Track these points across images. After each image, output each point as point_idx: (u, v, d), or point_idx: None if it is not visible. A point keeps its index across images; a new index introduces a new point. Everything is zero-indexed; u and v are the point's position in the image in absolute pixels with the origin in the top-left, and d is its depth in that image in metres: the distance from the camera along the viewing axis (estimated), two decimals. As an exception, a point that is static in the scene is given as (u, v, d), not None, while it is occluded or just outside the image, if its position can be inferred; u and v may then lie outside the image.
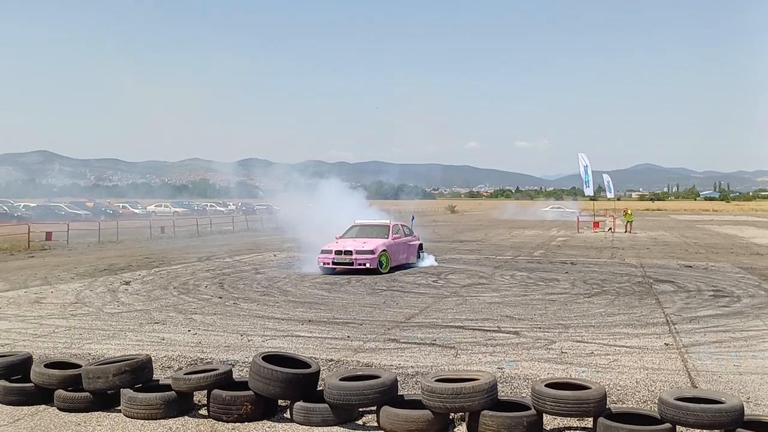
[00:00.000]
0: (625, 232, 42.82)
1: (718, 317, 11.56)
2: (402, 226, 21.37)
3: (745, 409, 5.88)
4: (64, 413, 6.61)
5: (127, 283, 16.17)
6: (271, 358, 6.63)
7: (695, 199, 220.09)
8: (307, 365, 6.70)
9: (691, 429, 5.55)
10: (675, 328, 10.53)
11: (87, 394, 6.68)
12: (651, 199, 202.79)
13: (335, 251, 18.38)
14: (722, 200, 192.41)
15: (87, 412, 6.61)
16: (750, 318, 11.48)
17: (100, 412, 6.61)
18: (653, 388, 7.07)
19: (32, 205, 63.00)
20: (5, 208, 57.32)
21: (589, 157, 48.75)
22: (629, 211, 46.15)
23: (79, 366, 7.09)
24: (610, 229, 44.77)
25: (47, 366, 7.09)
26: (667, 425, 5.39)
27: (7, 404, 6.88)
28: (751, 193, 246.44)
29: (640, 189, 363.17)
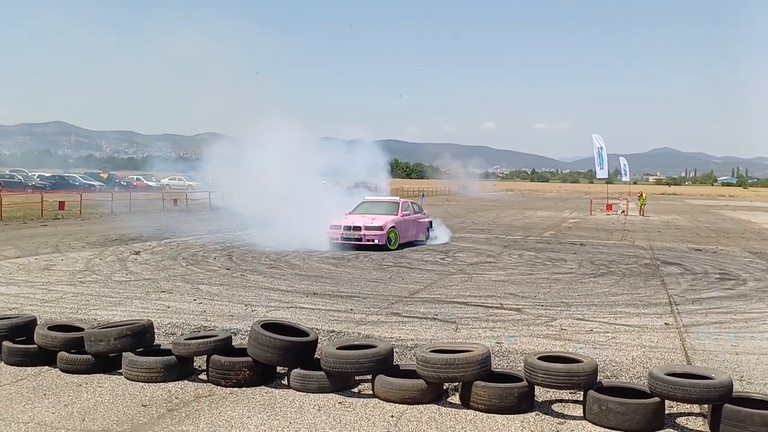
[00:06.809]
0: (639, 215, 42.62)
1: (721, 299, 11.55)
2: (411, 203, 21.39)
3: (738, 386, 5.93)
4: (67, 374, 6.75)
5: (137, 253, 16.35)
6: (271, 326, 6.72)
7: (712, 185, 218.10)
8: (305, 334, 6.79)
9: (679, 403, 5.61)
10: (677, 309, 10.54)
11: (89, 356, 6.81)
12: (667, 184, 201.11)
13: (344, 227, 18.39)
14: (740, 186, 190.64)
15: (89, 374, 6.74)
16: (753, 301, 11.45)
17: (101, 374, 6.74)
18: (648, 365, 7.08)
19: (47, 174, 63.66)
20: (20, 177, 58.00)
21: (607, 140, 48.17)
22: (644, 195, 46.01)
23: (82, 329, 7.23)
24: (623, 211, 44.55)
25: (51, 329, 7.22)
26: (656, 399, 5.43)
27: (11, 365, 7.03)
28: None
29: (657, 173, 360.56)
